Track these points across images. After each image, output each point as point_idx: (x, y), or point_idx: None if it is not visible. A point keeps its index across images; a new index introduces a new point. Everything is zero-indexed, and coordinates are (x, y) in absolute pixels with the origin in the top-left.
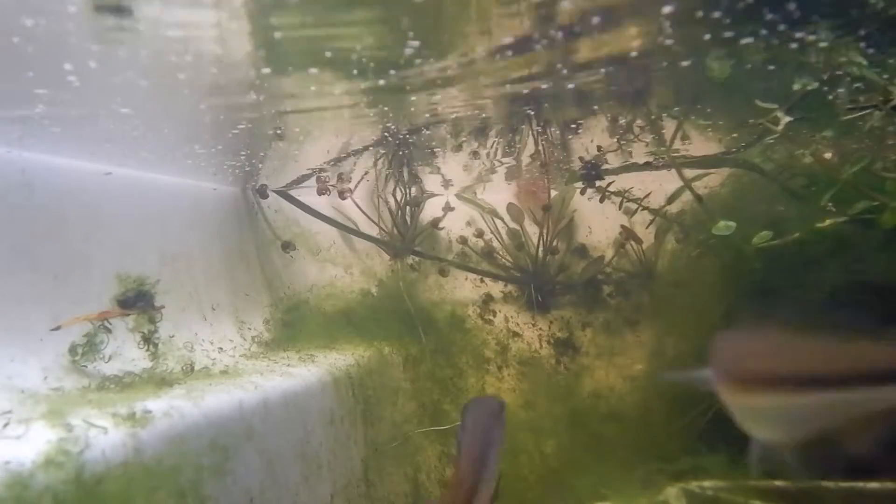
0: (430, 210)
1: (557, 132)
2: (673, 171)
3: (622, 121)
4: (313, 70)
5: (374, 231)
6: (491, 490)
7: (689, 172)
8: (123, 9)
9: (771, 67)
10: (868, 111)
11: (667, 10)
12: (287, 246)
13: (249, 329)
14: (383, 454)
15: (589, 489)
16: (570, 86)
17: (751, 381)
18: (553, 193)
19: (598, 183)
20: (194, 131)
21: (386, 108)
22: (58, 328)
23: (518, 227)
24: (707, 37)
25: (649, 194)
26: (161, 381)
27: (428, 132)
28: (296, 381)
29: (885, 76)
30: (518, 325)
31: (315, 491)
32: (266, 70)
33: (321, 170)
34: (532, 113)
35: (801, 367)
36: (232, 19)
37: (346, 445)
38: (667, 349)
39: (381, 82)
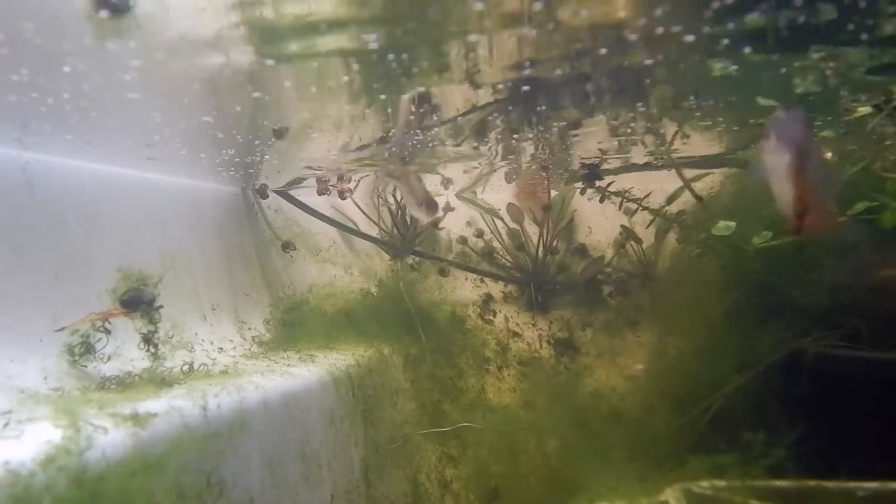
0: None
1: (557, 132)
2: (673, 170)
3: (623, 120)
4: (313, 67)
5: (374, 231)
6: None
7: (689, 172)
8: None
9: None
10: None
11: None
12: (287, 246)
13: (249, 329)
14: (383, 454)
15: (589, 489)
16: (570, 83)
17: None
18: (553, 193)
19: (598, 183)
20: (196, 131)
21: (385, 108)
22: (62, 329)
23: (518, 227)
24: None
25: (649, 194)
26: (161, 382)
27: (428, 132)
28: (296, 381)
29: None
30: (518, 325)
31: (315, 491)
32: (266, 66)
33: (320, 169)
34: (532, 112)
35: None
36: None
37: (346, 445)
38: (667, 349)
39: (381, 81)
